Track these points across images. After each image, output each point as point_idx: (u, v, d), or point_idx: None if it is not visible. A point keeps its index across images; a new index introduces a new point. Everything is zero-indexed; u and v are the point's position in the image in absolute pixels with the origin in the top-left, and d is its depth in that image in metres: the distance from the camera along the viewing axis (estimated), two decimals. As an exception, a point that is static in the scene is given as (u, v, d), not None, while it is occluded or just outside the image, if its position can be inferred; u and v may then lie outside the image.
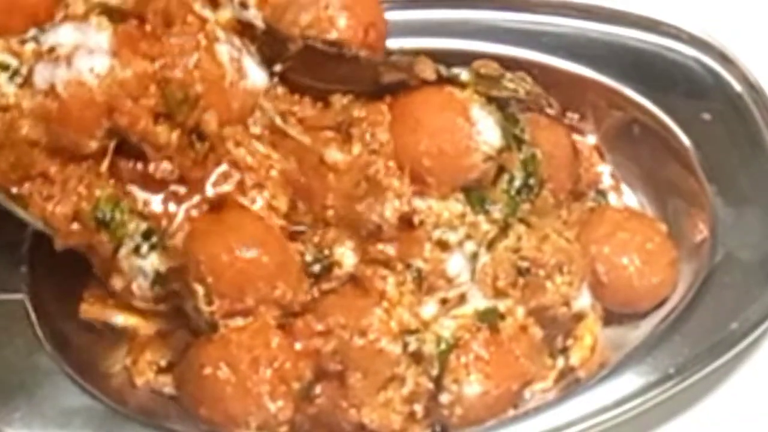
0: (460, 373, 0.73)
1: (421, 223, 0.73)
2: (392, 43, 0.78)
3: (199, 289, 0.70)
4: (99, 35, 0.68)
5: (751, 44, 0.82)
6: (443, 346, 0.73)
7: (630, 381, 0.74)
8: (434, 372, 0.73)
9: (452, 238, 0.74)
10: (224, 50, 0.71)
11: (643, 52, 0.82)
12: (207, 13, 0.71)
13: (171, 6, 0.69)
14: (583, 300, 0.76)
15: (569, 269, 0.75)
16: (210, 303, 0.70)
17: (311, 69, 0.73)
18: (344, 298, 0.73)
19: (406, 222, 0.73)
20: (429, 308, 0.74)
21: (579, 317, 0.77)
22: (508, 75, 0.77)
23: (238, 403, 0.70)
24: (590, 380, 0.75)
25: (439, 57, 0.78)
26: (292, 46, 0.72)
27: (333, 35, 0.73)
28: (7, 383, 0.72)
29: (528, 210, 0.76)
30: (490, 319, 0.74)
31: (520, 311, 0.75)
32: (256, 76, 0.73)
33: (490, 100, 0.75)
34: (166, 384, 0.75)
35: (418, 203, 0.73)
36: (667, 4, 0.82)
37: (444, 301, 0.74)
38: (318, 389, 0.72)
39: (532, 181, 0.76)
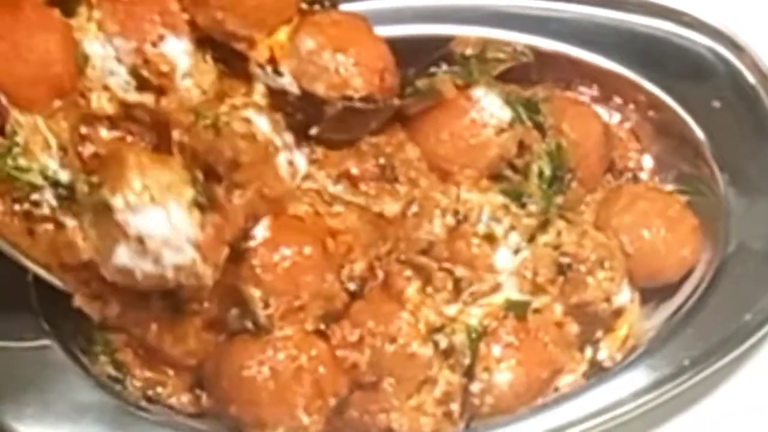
0: (491, 361, 0.73)
1: (465, 217, 0.73)
2: (406, 30, 0.79)
3: (255, 293, 0.69)
4: (189, 229, 0.67)
5: (762, 32, 0.81)
6: (473, 334, 0.73)
7: (645, 374, 0.74)
8: (466, 361, 0.72)
9: (498, 230, 0.74)
10: (283, 161, 0.72)
11: (653, 39, 0.82)
12: (265, 126, 0.71)
13: (240, 156, 0.69)
14: (624, 296, 0.76)
15: (611, 264, 0.75)
16: (267, 306, 0.69)
17: (344, 125, 0.73)
18: (372, 304, 0.73)
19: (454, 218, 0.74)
20: (455, 305, 0.74)
21: (618, 313, 0.76)
22: (488, 46, 0.79)
23: (273, 409, 0.69)
24: (605, 373, 0.75)
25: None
26: (329, 109, 0.72)
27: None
28: (17, 379, 0.71)
29: (562, 203, 0.76)
30: (519, 310, 0.74)
31: (558, 308, 0.75)
32: (302, 165, 0.73)
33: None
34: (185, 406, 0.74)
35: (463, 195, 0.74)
36: (680, -8, 0.82)
37: (473, 293, 0.74)
38: (350, 402, 0.72)
39: (560, 173, 0.76)
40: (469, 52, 0.78)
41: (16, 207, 0.67)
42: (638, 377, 0.74)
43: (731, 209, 0.78)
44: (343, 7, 0.75)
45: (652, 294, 0.79)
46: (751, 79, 0.80)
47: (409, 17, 0.80)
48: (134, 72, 0.69)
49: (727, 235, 0.78)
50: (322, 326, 0.71)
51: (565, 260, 0.75)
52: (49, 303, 0.73)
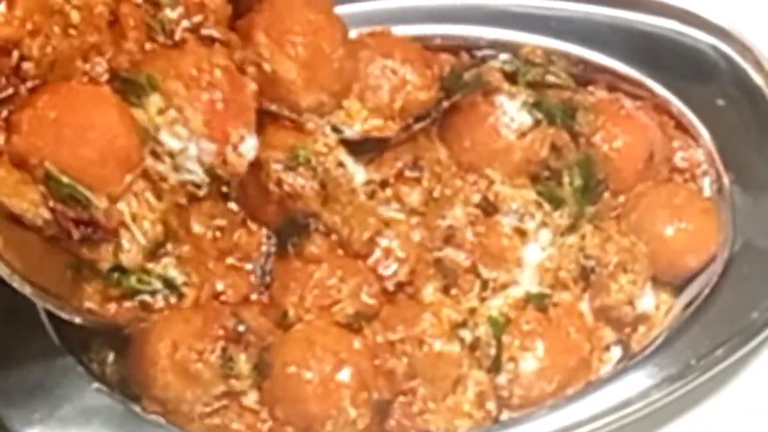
0: (515, 350, 0.73)
1: (495, 208, 0.75)
2: (405, 30, 0.79)
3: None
4: None
5: (766, 30, 0.81)
6: (497, 324, 0.73)
7: (651, 373, 0.74)
8: (492, 351, 0.73)
9: (530, 225, 0.75)
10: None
11: (656, 38, 0.82)
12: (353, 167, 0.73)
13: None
14: (647, 301, 0.76)
15: (632, 268, 0.75)
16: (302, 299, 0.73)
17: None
18: (397, 307, 0.74)
19: (483, 210, 0.75)
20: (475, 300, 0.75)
21: (643, 319, 0.76)
22: (554, 59, 0.80)
23: (320, 404, 0.69)
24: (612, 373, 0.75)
25: (449, 42, 0.81)
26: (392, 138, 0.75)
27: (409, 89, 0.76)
28: (25, 384, 0.71)
29: (594, 212, 0.77)
30: (539, 302, 0.74)
31: (589, 316, 0.75)
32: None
33: (532, 85, 0.78)
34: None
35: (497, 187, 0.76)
36: (680, -11, 0.82)
37: (494, 288, 0.75)
38: (392, 410, 0.72)
39: (591, 183, 0.77)
40: (531, 58, 0.79)
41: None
42: (645, 376, 0.74)
43: (737, 207, 0.78)
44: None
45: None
46: (755, 76, 0.80)
47: (410, 17, 0.81)
48: (210, 171, 0.69)
49: (734, 233, 0.78)
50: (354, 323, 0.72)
51: (589, 263, 0.75)
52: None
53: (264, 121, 0.72)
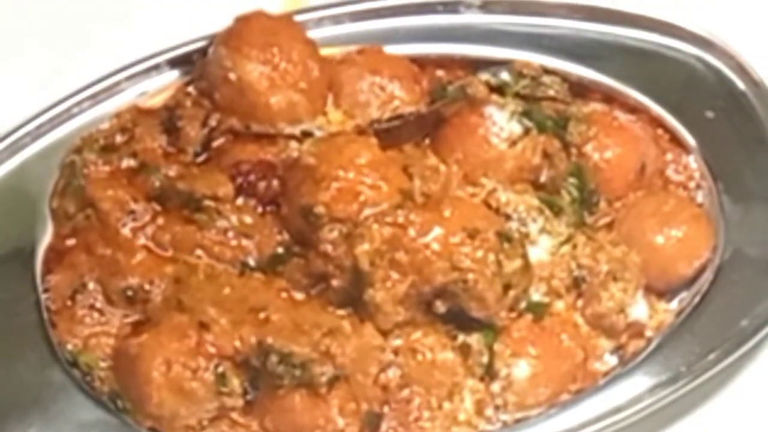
0: (507, 357, 0.73)
1: (497, 210, 0.75)
2: (399, 50, 0.80)
3: None
4: None
5: (751, 40, 0.82)
6: (488, 333, 0.73)
7: (641, 380, 0.74)
8: (484, 359, 0.73)
9: (533, 229, 0.75)
10: None
11: (643, 52, 0.83)
12: None
13: None
14: (640, 309, 0.76)
15: (623, 276, 0.75)
16: None
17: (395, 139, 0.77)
18: None
19: None
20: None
21: (638, 328, 0.76)
22: (548, 71, 0.80)
23: (308, 414, 0.70)
24: (602, 381, 0.75)
25: (441, 62, 0.81)
26: None
27: (396, 104, 0.78)
28: (20, 399, 0.71)
29: (592, 222, 0.78)
30: (537, 310, 0.75)
31: (585, 325, 0.76)
32: None
33: (526, 98, 0.78)
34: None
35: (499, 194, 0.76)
36: (668, 3, 0.82)
37: None
38: (387, 419, 0.73)
39: (585, 194, 0.77)
40: (525, 71, 0.80)
41: None
42: (635, 383, 0.74)
43: (727, 217, 0.79)
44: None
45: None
46: (742, 86, 0.81)
47: (402, 38, 0.82)
48: None
49: (724, 243, 0.78)
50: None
51: (581, 273, 0.76)
52: (53, 322, 0.74)
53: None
